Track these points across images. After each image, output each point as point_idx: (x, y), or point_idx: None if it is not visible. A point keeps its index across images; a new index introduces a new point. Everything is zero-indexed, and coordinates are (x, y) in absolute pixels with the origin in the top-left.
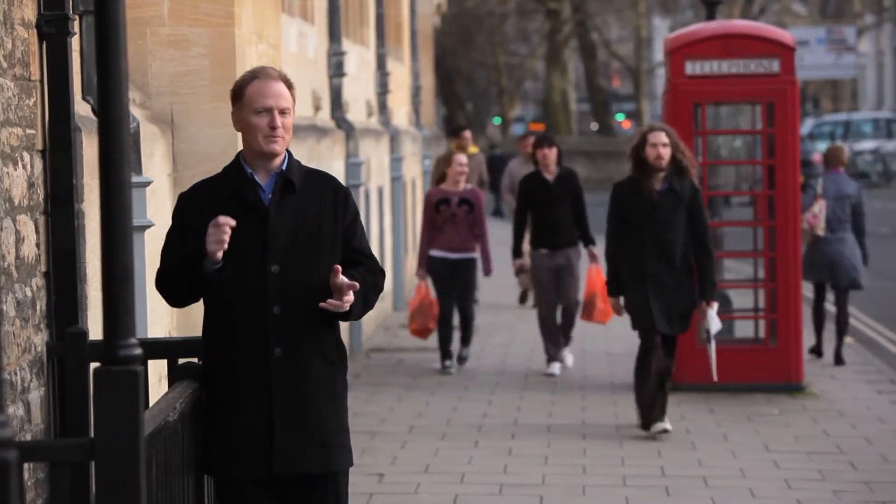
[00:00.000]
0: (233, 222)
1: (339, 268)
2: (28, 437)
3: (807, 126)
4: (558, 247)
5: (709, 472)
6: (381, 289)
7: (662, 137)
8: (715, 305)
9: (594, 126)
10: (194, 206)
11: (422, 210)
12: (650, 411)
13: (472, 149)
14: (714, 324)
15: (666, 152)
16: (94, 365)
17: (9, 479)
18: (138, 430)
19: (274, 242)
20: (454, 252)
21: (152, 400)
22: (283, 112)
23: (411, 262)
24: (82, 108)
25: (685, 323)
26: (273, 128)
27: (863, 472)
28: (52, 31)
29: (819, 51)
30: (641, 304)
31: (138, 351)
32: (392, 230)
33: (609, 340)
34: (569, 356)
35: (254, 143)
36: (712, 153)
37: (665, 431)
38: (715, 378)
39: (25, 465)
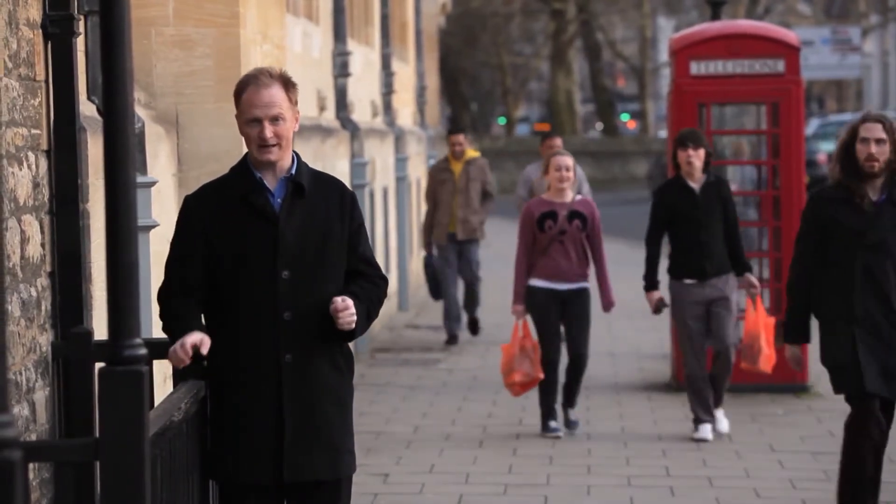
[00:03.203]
0: (206, 344)
1: (337, 300)
2: (33, 437)
3: (812, 126)
4: (709, 275)
5: (713, 472)
6: (385, 297)
7: (877, 131)
8: None
9: (599, 126)
10: (201, 211)
11: (518, 228)
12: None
13: (471, 152)
14: None
15: (882, 151)
16: (98, 365)
17: (13, 479)
18: (143, 431)
19: (284, 248)
20: (564, 282)
21: (157, 400)
22: (274, 120)
23: (415, 262)
24: (87, 109)
25: None
26: (262, 138)
27: None
28: (57, 31)
29: (824, 51)
30: (849, 358)
31: (143, 351)
32: (397, 230)
33: (613, 340)
34: (723, 420)
35: (250, 150)
36: (717, 153)
37: None
38: None
39: (30, 465)
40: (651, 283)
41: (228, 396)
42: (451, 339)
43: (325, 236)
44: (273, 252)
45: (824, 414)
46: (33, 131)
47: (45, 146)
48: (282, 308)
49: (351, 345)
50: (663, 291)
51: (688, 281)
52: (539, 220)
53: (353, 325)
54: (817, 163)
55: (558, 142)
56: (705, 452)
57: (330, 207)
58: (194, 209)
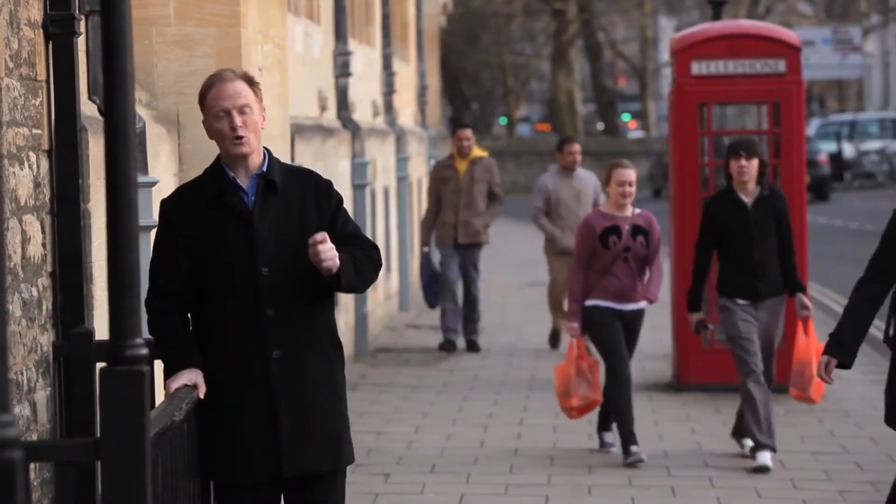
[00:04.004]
0: (201, 388)
1: (314, 236)
2: (34, 437)
3: (813, 126)
4: (763, 297)
5: (714, 472)
6: (377, 262)
7: None
8: None
9: (600, 126)
10: (177, 214)
11: (575, 242)
12: None
13: (478, 151)
14: None
15: None
16: (100, 365)
17: (14, 478)
18: (144, 430)
19: (261, 245)
20: (629, 301)
21: (158, 400)
22: (241, 110)
23: (416, 263)
24: (88, 108)
25: None
26: (233, 128)
27: (868, 472)
28: (58, 31)
29: (825, 51)
30: None
31: (144, 351)
32: (398, 230)
33: None
34: (764, 454)
35: (223, 147)
36: (718, 153)
37: None
38: None
39: (31, 465)
40: (694, 304)
41: (221, 395)
42: (449, 346)
43: (302, 230)
44: (250, 250)
45: (825, 414)
46: (34, 131)
47: (46, 146)
48: (265, 305)
49: (352, 345)
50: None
51: (740, 301)
52: (602, 236)
53: (336, 262)
54: (818, 163)
55: (576, 147)
56: (706, 453)
57: (305, 200)
58: (170, 213)
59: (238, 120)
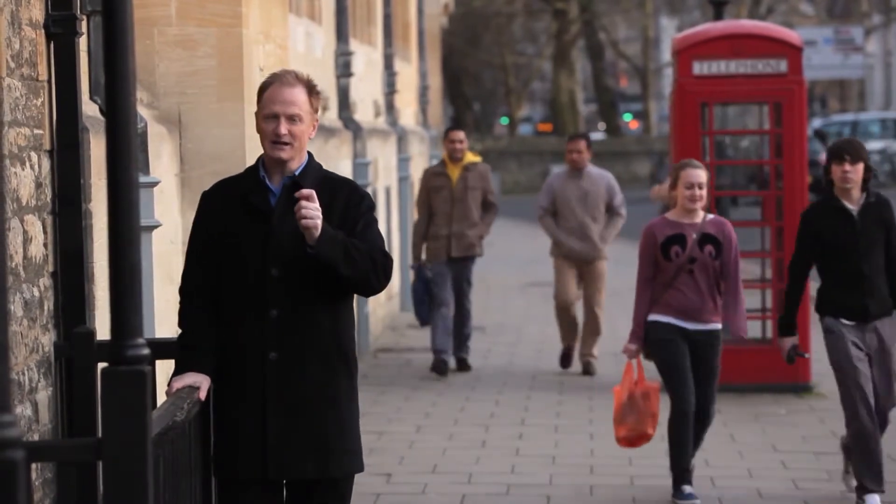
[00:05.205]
0: (203, 389)
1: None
2: (35, 438)
3: (814, 126)
4: (872, 317)
5: (716, 472)
6: (377, 262)
7: None
8: None
9: (601, 126)
10: (209, 208)
11: (638, 251)
12: None
13: (471, 157)
14: None
15: None
16: (101, 365)
17: (16, 479)
18: (146, 431)
19: (275, 246)
20: (694, 321)
21: (160, 400)
22: (290, 119)
23: None
24: (90, 108)
25: None
26: (277, 134)
27: None
28: (59, 31)
29: (826, 51)
30: None
31: (146, 351)
32: (399, 230)
33: (617, 340)
34: (873, 498)
35: (263, 146)
36: (719, 153)
37: None
38: None
39: (33, 465)
40: (787, 328)
41: (224, 393)
42: (441, 366)
43: None
44: (264, 250)
45: (826, 414)
46: (36, 131)
47: (47, 146)
48: (269, 306)
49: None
50: (814, 328)
51: (845, 321)
52: (664, 246)
53: (315, 223)
54: (820, 163)
55: (580, 145)
56: (708, 452)
57: (333, 207)
58: (203, 207)
59: (283, 128)
